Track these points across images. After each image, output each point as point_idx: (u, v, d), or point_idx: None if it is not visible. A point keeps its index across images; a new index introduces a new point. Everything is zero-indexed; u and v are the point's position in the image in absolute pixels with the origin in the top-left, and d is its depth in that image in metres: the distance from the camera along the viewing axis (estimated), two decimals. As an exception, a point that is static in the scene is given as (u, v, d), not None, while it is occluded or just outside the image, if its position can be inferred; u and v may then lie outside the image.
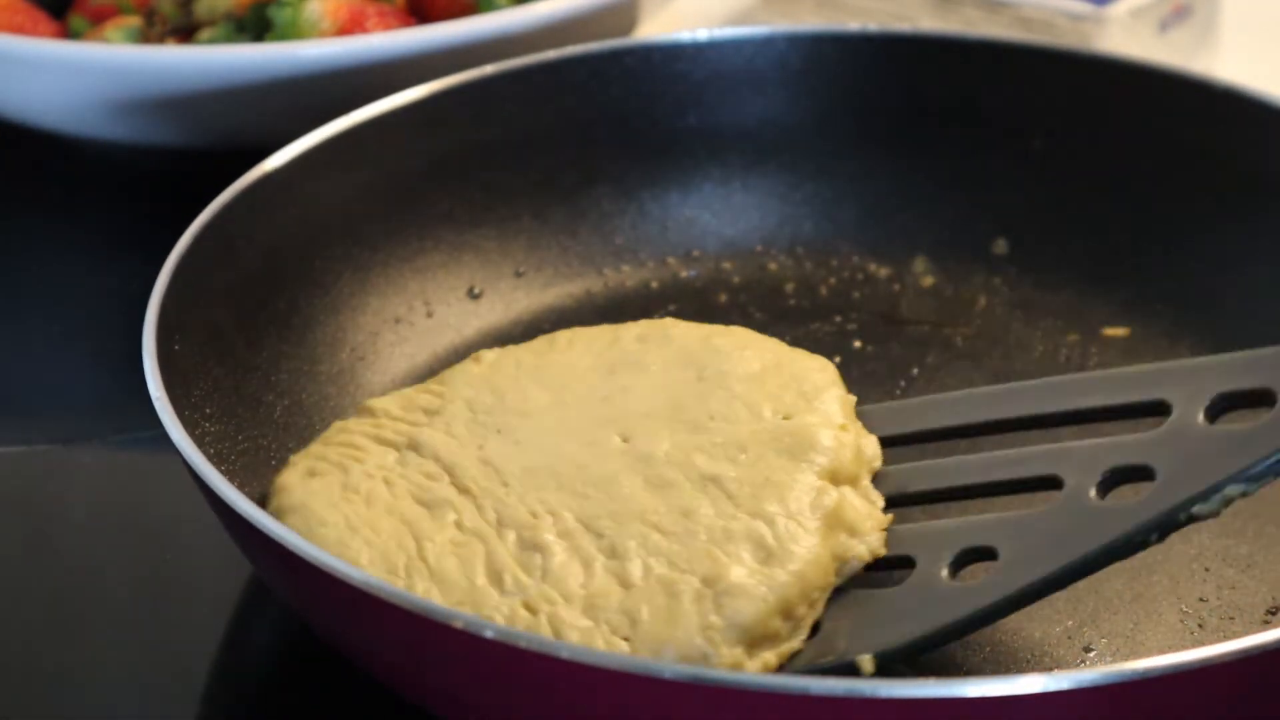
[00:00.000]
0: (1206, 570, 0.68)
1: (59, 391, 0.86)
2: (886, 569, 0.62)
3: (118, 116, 0.94)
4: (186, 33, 0.99)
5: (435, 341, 0.81)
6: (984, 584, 0.59)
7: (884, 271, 0.85)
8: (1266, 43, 1.13)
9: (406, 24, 0.96)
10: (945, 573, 0.60)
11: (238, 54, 0.91)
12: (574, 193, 0.87)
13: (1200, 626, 0.65)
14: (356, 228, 0.81)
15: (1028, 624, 0.65)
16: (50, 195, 1.01)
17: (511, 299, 0.84)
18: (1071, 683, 0.51)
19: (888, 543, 0.62)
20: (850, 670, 0.58)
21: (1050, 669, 0.63)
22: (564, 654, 0.52)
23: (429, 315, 0.82)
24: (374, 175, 0.82)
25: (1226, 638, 0.59)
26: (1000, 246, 0.86)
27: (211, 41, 0.97)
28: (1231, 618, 0.65)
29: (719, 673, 0.51)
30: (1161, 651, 0.62)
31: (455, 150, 0.84)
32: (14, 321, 0.91)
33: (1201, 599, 0.66)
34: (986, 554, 0.60)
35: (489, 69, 0.85)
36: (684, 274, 0.86)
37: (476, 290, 0.83)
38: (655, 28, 1.06)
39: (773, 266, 0.86)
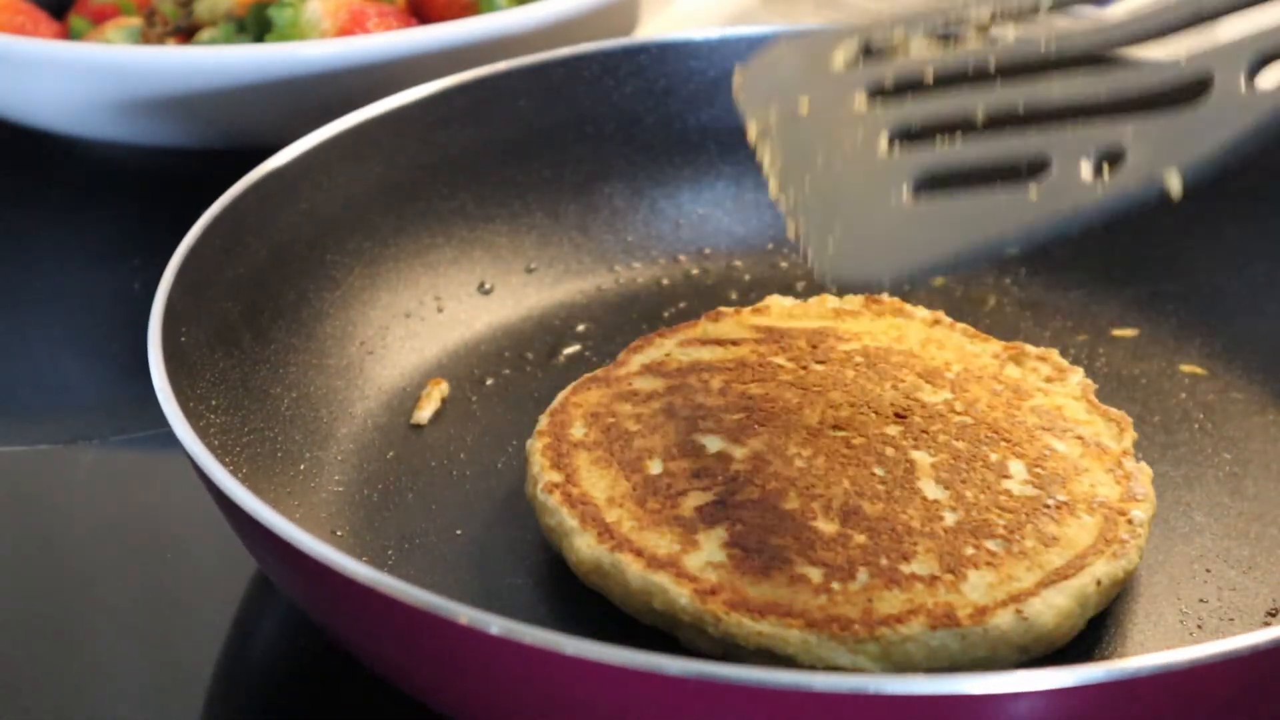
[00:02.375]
0: (1208, 571, 0.68)
1: (59, 391, 0.86)
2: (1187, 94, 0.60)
3: (118, 116, 0.94)
4: (187, 33, 0.99)
5: (445, 336, 0.81)
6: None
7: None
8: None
9: (406, 24, 0.97)
10: (1243, 82, 0.58)
11: (238, 54, 0.91)
12: (586, 189, 0.87)
13: (1200, 627, 0.65)
14: (368, 222, 0.81)
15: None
16: (50, 195, 1.01)
17: (522, 294, 0.84)
18: (1072, 679, 0.51)
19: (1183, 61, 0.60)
20: (1159, 194, 0.57)
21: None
22: (568, 650, 0.52)
23: (439, 310, 0.82)
24: (386, 170, 0.82)
25: (1225, 638, 0.59)
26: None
27: (212, 42, 0.98)
28: (1231, 619, 0.65)
29: (723, 669, 0.51)
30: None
31: (467, 146, 0.85)
32: (14, 321, 0.91)
33: (1202, 600, 0.66)
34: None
35: (502, 65, 0.86)
36: (695, 271, 0.86)
37: (487, 285, 0.84)
38: (655, 28, 1.06)
39: (784, 264, 0.86)
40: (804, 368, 0.73)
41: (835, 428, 0.69)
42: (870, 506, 0.65)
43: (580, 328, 0.82)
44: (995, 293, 0.84)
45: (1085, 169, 0.58)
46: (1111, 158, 0.58)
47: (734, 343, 0.74)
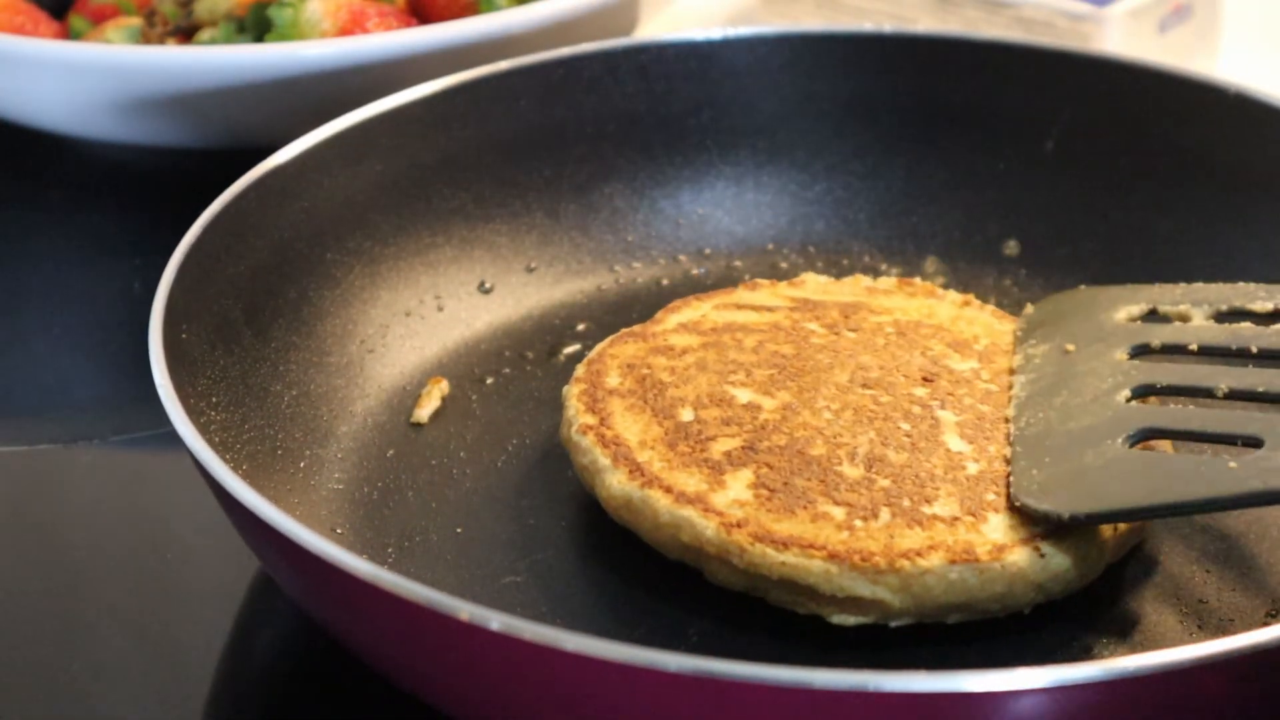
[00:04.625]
0: (1207, 572, 0.68)
1: (59, 391, 0.86)
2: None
3: (118, 116, 0.94)
4: (187, 33, 0.99)
5: (445, 335, 0.81)
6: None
7: (895, 271, 0.85)
8: (1266, 43, 1.13)
9: (406, 24, 0.96)
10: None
11: (238, 54, 0.91)
12: (586, 189, 0.87)
13: (1200, 628, 0.65)
14: (369, 220, 0.81)
15: (1026, 623, 0.65)
16: (50, 195, 1.01)
17: (522, 294, 0.84)
18: (1072, 679, 0.51)
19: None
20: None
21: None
22: (568, 646, 0.52)
23: (439, 309, 0.82)
24: (387, 169, 0.82)
25: (1225, 638, 0.59)
26: (1011, 247, 0.86)
27: (212, 42, 0.97)
28: (1231, 619, 0.65)
29: (723, 666, 0.51)
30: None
31: (468, 145, 0.85)
32: (14, 321, 0.91)
33: (1201, 600, 0.66)
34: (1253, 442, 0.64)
35: (503, 65, 0.86)
36: (695, 271, 0.86)
37: (487, 284, 0.84)
38: (655, 28, 1.07)
39: (784, 265, 0.87)
40: (836, 334, 0.75)
41: (864, 386, 0.71)
42: (895, 455, 0.68)
43: (580, 327, 0.82)
44: (995, 293, 0.84)
45: None
46: None
47: (769, 309, 0.77)
